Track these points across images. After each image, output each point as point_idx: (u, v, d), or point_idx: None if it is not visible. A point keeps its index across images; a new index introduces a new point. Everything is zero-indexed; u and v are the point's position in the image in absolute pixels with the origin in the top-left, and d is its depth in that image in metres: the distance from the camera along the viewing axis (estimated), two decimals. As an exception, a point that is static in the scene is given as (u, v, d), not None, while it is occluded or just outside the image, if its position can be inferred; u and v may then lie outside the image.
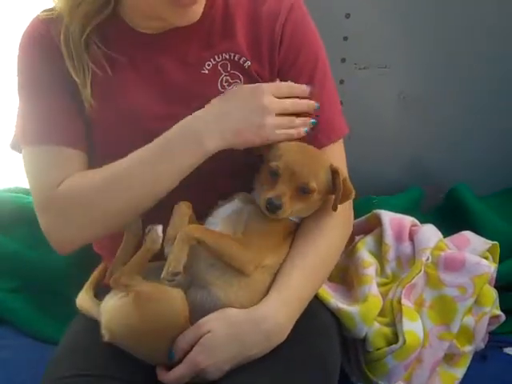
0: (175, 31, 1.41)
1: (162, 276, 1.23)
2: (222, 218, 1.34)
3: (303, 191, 1.28)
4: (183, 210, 1.31)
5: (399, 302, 1.49)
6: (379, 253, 1.62)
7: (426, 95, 2.02)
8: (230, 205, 1.36)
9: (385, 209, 1.75)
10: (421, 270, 1.52)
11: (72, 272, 1.74)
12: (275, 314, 1.28)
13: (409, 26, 1.95)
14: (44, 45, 1.42)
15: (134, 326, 1.26)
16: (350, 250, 1.64)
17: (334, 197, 1.32)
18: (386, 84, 1.98)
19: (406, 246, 1.60)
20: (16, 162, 1.80)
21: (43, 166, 1.42)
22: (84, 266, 1.68)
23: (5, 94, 1.98)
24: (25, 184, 1.93)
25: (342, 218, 1.43)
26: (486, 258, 1.61)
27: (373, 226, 1.68)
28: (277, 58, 1.43)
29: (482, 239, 1.69)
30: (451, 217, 1.97)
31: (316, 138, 1.40)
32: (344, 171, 1.41)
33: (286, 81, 1.39)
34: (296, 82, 1.39)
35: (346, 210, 1.43)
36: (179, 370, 1.26)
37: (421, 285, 1.53)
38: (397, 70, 1.97)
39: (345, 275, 1.61)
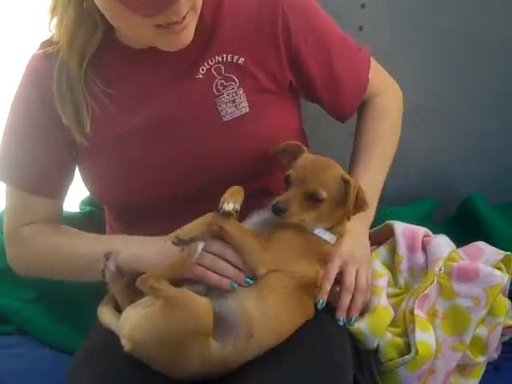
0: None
1: (165, 238, 1.30)
2: (250, 225, 1.38)
3: (313, 199, 1.31)
4: (208, 219, 1.31)
5: (412, 312, 1.49)
6: (392, 263, 1.62)
7: (439, 106, 2.03)
8: (261, 214, 1.39)
9: (398, 219, 1.75)
10: (433, 281, 1.53)
11: (90, 282, 1.76)
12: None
13: (422, 39, 1.97)
14: (40, 85, 1.47)
15: (160, 333, 1.27)
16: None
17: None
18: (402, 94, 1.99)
19: (419, 257, 1.61)
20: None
21: (14, 206, 1.56)
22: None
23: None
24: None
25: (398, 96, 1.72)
26: (500, 269, 1.61)
27: (386, 237, 1.69)
28: (284, 45, 1.46)
29: (496, 249, 1.68)
30: (464, 227, 1.97)
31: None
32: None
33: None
34: (315, 57, 1.49)
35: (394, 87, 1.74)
36: None
37: (434, 295, 1.53)
38: (409, 81, 1.97)
39: (358, 286, 1.61)
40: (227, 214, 1.29)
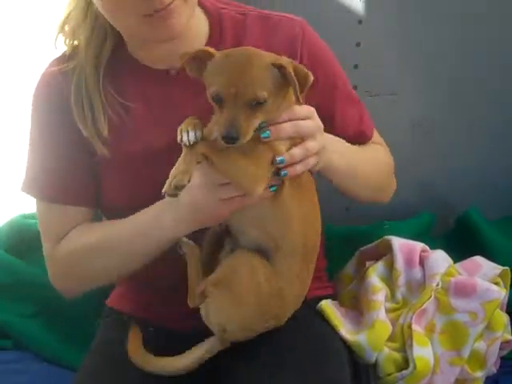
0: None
1: (163, 190, 1.19)
2: None
3: (255, 104, 1.17)
4: (190, 157, 1.23)
5: (409, 327, 1.50)
6: (390, 278, 1.63)
7: (437, 121, 2.05)
8: None
9: (396, 234, 1.77)
10: (431, 296, 1.54)
11: (89, 297, 1.76)
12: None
13: (419, 54, 1.98)
14: (55, 99, 1.47)
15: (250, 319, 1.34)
16: (360, 275, 1.66)
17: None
18: (397, 111, 2.01)
19: (417, 272, 1.61)
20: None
21: (48, 221, 1.54)
22: (100, 291, 1.71)
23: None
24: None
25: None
26: (497, 284, 1.62)
27: (383, 252, 1.69)
28: None
29: (493, 264, 1.69)
30: (462, 241, 1.98)
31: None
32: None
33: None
34: (322, 94, 1.46)
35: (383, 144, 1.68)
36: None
37: (431, 310, 1.54)
38: (407, 96, 2.00)
39: (356, 301, 1.62)
40: (193, 143, 1.21)
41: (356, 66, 1.93)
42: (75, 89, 1.44)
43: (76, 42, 1.46)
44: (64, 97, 1.45)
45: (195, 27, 1.45)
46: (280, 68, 1.18)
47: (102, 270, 1.50)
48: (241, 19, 1.51)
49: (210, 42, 1.45)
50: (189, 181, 1.19)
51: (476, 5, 1.96)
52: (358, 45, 1.93)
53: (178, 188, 1.18)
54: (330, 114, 1.50)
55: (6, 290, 1.86)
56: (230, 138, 1.15)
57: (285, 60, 1.20)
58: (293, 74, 1.17)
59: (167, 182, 1.19)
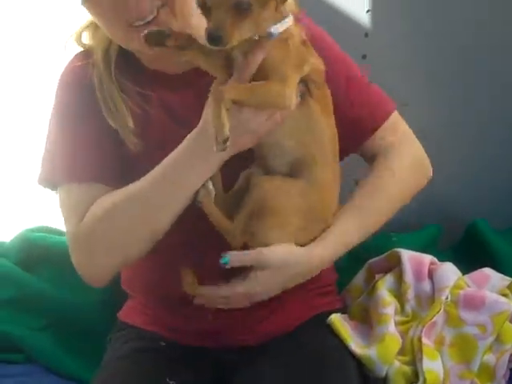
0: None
1: (214, 149, 1.20)
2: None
3: (241, 8, 1.15)
4: (219, 107, 1.23)
5: (419, 340, 1.50)
6: (399, 291, 1.63)
7: (444, 132, 2.05)
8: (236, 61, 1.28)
9: (404, 246, 1.77)
10: (440, 309, 1.54)
11: (99, 310, 1.78)
12: (325, 256, 1.42)
13: (425, 66, 1.99)
14: (83, 90, 1.47)
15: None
16: (370, 289, 1.66)
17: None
18: (405, 121, 2.01)
19: (426, 285, 1.61)
20: (42, 201, 1.86)
21: (71, 202, 1.47)
22: (111, 304, 1.74)
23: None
24: (51, 223, 2.00)
25: (413, 158, 1.58)
26: (506, 295, 1.62)
27: (392, 265, 1.69)
28: None
29: (502, 276, 1.70)
30: (470, 253, 1.98)
31: (367, 126, 1.52)
32: (398, 137, 1.56)
33: None
34: (334, 90, 1.42)
35: (415, 148, 1.60)
36: (234, 289, 1.37)
37: (440, 323, 1.54)
38: (414, 108, 2.00)
39: (366, 314, 1.62)
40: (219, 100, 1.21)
41: (365, 78, 1.94)
42: (97, 83, 1.45)
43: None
44: (90, 88, 1.45)
45: (198, 28, 1.35)
46: None
47: (129, 230, 1.40)
48: None
49: None
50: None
51: (481, 14, 1.97)
52: (364, 57, 1.93)
53: (224, 141, 1.19)
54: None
55: (16, 304, 1.86)
56: (214, 38, 1.15)
57: None
58: None
59: (213, 141, 1.20)
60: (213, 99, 1.23)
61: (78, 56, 1.53)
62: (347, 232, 1.45)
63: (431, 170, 1.63)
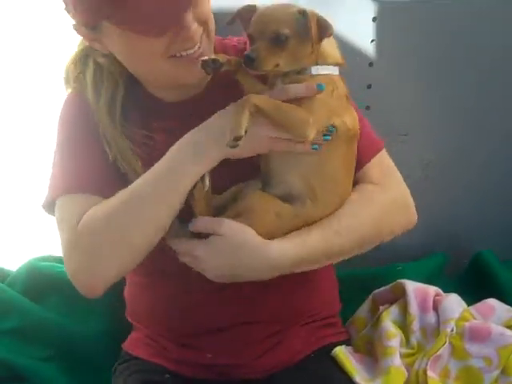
0: (198, 96, 1.47)
1: (225, 144, 1.26)
2: None
3: (278, 40, 1.29)
4: (244, 106, 1.29)
5: (425, 373, 1.49)
6: (404, 323, 1.63)
7: (448, 162, 2.06)
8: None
9: (410, 275, 1.78)
10: (445, 342, 1.53)
11: (104, 341, 1.77)
12: (286, 255, 1.35)
13: (430, 96, 2.00)
14: (87, 122, 1.47)
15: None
16: (374, 320, 1.66)
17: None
18: (408, 151, 2.02)
19: (431, 317, 1.61)
20: (48, 230, 1.87)
21: (68, 211, 1.44)
22: (116, 335, 1.73)
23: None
24: (57, 252, 2.00)
25: (397, 196, 1.53)
26: (511, 327, 1.62)
27: (397, 296, 1.69)
28: None
29: (507, 307, 1.70)
30: (476, 282, 1.98)
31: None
32: (386, 176, 1.53)
33: None
34: None
35: (401, 189, 1.56)
36: (181, 246, 1.37)
37: (446, 356, 1.54)
38: (418, 137, 2.02)
39: (371, 346, 1.62)
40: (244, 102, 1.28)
41: (367, 108, 1.94)
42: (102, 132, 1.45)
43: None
44: (91, 124, 1.46)
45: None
46: (303, 14, 1.30)
47: (131, 227, 1.37)
48: (243, 49, 1.52)
49: None
50: (245, 132, 1.25)
51: (487, 47, 1.98)
52: (369, 87, 1.95)
53: (236, 139, 1.25)
54: None
55: (21, 333, 1.85)
56: (248, 58, 1.28)
57: (311, 10, 1.31)
58: (314, 20, 1.29)
59: (227, 135, 1.26)
60: (239, 102, 1.29)
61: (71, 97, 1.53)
62: (310, 235, 1.37)
63: (415, 216, 1.58)
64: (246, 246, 1.33)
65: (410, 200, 1.57)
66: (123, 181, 1.44)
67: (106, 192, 1.41)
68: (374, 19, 1.90)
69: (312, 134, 1.31)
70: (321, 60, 1.37)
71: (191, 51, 1.34)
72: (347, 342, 1.62)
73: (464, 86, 2.01)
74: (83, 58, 1.47)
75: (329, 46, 1.39)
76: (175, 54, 1.34)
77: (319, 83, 1.32)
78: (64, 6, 1.34)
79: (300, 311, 1.55)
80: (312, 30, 1.29)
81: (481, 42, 1.98)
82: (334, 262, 1.47)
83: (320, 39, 1.33)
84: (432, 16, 1.95)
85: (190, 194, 1.36)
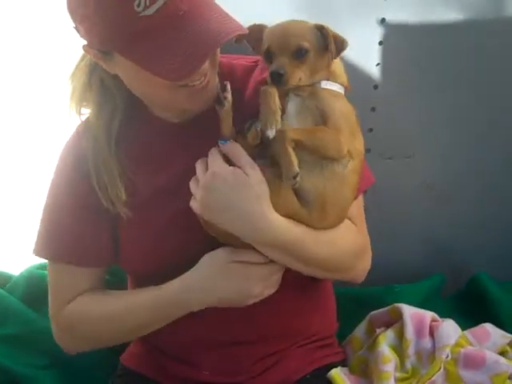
0: (199, 116, 1.47)
1: (287, 184, 1.31)
2: (294, 116, 1.38)
3: (300, 54, 1.33)
4: (271, 93, 1.34)
5: (419, 398, 1.51)
6: (400, 347, 1.64)
7: (449, 184, 2.08)
8: (292, 102, 1.39)
9: (407, 296, 1.80)
10: (440, 368, 1.54)
11: (102, 352, 1.77)
12: (276, 224, 1.34)
13: (434, 119, 2.02)
14: (79, 161, 1.49)
15: None
16: (370, 343, 1.67)
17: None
18: (410, 173, 2.04)
19: (426, 342, 1.62)
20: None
21: (60, 282, 1.56)
22: (114, 347, 1.71)
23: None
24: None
25: (361, 244, 1.53)
26: (506, 352, 1.64)
27: (394, 319, 1.71)
28: None
29: (503, 332, 1.71)
30: (472, 304, 1.99)
31: None
32: (361, 216, 1.54)
33: None
34: None
35: (367, 238, 1.55)
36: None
37: (440, 381, 1.54)
38: (421, 159, 2.03)
39: (366, 367, 1.63)
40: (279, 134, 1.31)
41: (371, 130, 1.96)
42: (92, 157, 1.47)
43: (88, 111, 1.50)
44: (84, 163, 1.48)
45: None
46: (321, 29, 1.35)
47: (110, 337, 1.56)
48: (252, 66, 1.54)
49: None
50: (297, 172, 1.29)
51: (493, 71, 2.00)
52: (373, 109, 1.96)
53: (295, 177, 1.29)
54: None
55: (20, 340, 1.87)
56: (277, 74, 1.31)
57: (326, 26, 1.36)
58: (331, 35, 1.34)
59: (283, 177, 1.31)
60: (276, 140, 1.31)
61: (76, 131, 1.55)
62: (299, 226, 1.38)
63: (368, 267, 1.58)
64: (248, 190, 1.32)
65: (370, 255, 1.58)
66: (109, 248, 1.53)
67: (89, 261, 1.52)
68: (381, 43, 1.92)
69: (345, 150, 1.35)
70: (331, 78, 1.41)
71: (198, 82, 1.35)
72: (343, 363, 1.63)
73: (467, 109, 2.03)
74: (89, 74, 1.47)
75: (338, 67, 1.44)
76: (183, 83, 1.34)
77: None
78: (73, 24, 1.35)
79: (298, 332, 1.57)
80: (330, 42, 1.34)
81: (486, 67, 2.00)
82: (297, 267, 1.43)
83: (338, 53, 1.37)
84: (437, 40, 1.96)
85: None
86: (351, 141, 1.37)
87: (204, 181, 1.33)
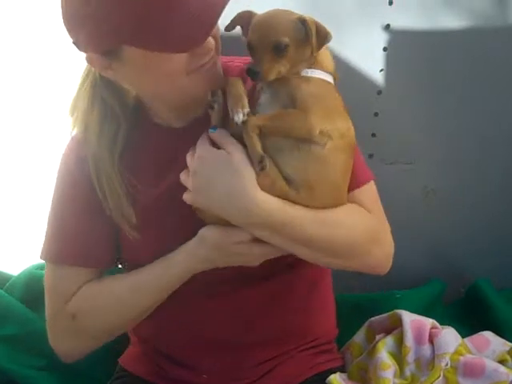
0: (198, 121, 1.46)
1: (256, 171, 1.30)
2: (267, 106, 1.37)
3: (279, 49, 1.31)
4: (235, 81, 1.36)
5: (418, 405, 1.51)
6: (399, 354, 1.63)
7: (451, 190, 2.08)
8: (265, 93, 1.38)
9: (407, 302, 1.80)
10: (440, 375, 1.54)
11: (100, 353, 1.77)
12: (268, 203, 1.30)
13: (437, 125, 2.02)
14: (81, 163, 1.48)
15: None
16: (370, 349, 1.67)
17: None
18: (411, 179, 2.04)
19: (426, 349, 1.62)
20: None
21: (59, 283, 1.54)
22: (113, 349, 1.73)
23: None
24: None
25: (384, 232, 1.50)
26: (505, 360, 1.63)
27: (394, 326, 1.70)
28: None
29: (502, 340, 1.71)
30: (472, 312, 1.99)
31: None
32: (375, 205, 1.50)
33: None
34: None
35: (387, 226, 1.51)
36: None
37: (439, 389, 1.55)
38: (423, 165, 2.03)
39: (365, 373, 1.63)
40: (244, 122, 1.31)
41: (373, 135, 1.96)
42: (95, 176, 1.46)
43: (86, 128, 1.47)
44: (86, 164, 1.46)
45: None
46: (303, 22, 1.31)
47: (119, 318, 1.52)
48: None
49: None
50: (261, 155, 1.29)
51: (497, 78, 2.01)
52: (376, 114, 1.96)
53: (260, 161, 1.29)
54: None
55: (18, 341, 1.86)
56: (252, 72, 1.31)
57: (310, 18, 1.32)
58: (314, 28, 1.30)
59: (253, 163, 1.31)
60: (244, 128, 1.31)
61: (72, 142, 1.54)
62: (294, 207, 1.33)
63: (389, 262, 1.53)
64: (229, 167, 1.30)
65: (391, 242, 1.53)
66: (115, 250, 1.53)
67: (95, 263, 1.52)
68: (385, 49, 1.92)
69: (316, 131, 1.31)
70: (317, 66, 1.38)
71: (207, 58, 1.35)
72: (342, 369, 1.63)
73: (470, 116, 2.03)
74: (91, 93, 1.45)
75: (325, 57, 1.40)
76: (194, 68, 1.33)
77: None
78: (73, 39, 1.33)
79: (298, 337, 1.57)
80: (313, 37, 1.30)
81: (490, 73, 2.00)
82: (299, 251, 1.38)
83: (320, 46, 1.34)
84: (441, 47, 1.96)
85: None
86: (326, 121, 1.33)
87: (192, 166, 1.34)
